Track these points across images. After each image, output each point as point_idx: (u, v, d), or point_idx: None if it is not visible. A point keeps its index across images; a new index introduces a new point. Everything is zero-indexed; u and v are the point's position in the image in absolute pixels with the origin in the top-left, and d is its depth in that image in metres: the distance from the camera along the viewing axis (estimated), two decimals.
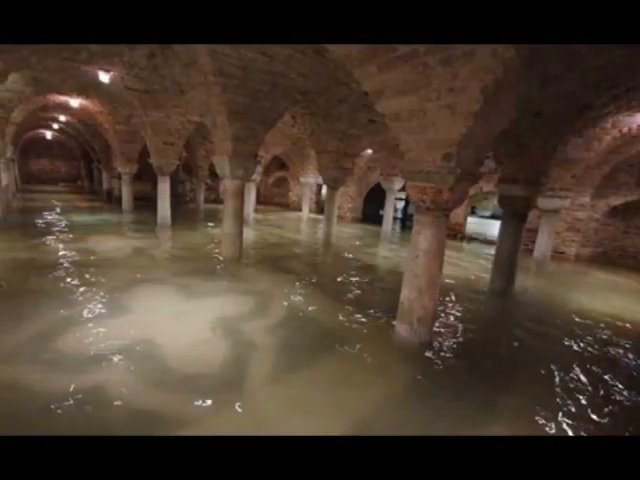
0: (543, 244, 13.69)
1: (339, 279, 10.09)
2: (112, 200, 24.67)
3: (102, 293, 7.34)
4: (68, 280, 7.99)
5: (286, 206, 32.39)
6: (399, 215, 24.91)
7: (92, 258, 9.97)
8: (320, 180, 19.12)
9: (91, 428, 3.69)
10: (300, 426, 3.99)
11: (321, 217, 19.45)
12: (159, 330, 5.98)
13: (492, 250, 11.35)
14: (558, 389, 5.27)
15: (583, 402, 4.99)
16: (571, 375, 5.72)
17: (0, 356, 4.86)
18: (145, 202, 23.77)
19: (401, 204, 24.79)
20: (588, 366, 6.08)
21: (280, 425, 3.99)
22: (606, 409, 4.88)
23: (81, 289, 7.49)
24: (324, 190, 22.72)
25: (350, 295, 8.71)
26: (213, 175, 25.70)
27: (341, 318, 7.17)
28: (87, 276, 8.33)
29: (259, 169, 19.33)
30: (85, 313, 6.40)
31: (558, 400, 4.98)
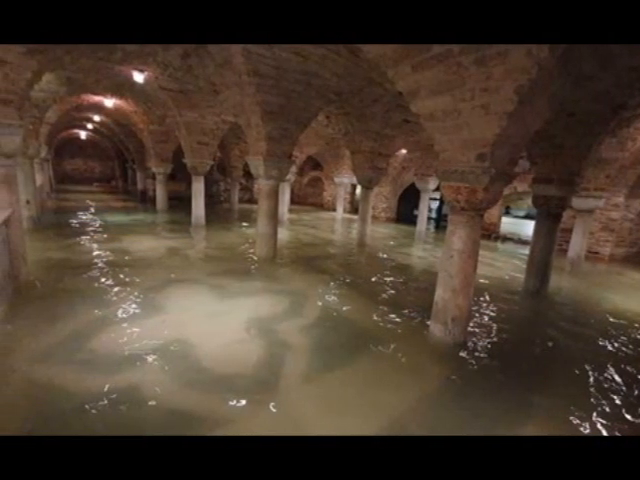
0: (577, 244, 13.52)
1: (373, 279, 10.10)
2: (146, 200, 24.84)
3: (136, 293, 7.42)
4: (102, 280, 8.09)
5: (320, 206, 32.41)
6: (433, 215, 24.64)
7: (126, 258, 10.09)
8: (354, 180, 19.07)
9: (126, 428, 3.73)
10: (334, 426, 4.01)
11: (355, 217, 19.41)
12: (193, 330, 6.03)
13: (526, 250, 11.35)
14: (592, 389, 5.24)
15: (618, 402, 4.96)
16: (605, 375, 5.68)
17: (35, 356, 4.92)
18: (179, 202, 24.07)
19: (435, 204, 24.54)
20: (623, 366, 6.03)
21: (314, 425, 4.01)
22: None
23: (115, 289, 7.58)
24: (358, 190, 22.68)
25: (384, 295, 8.71)
26: (247, 175, 25.87)
27: (375, 318, 7.18)
28: (121, 276, 8.43)
29: (293, 169, 19.35)
30: (119, 313, 6.48)
31: (592, 400, 4.95)
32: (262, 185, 10.48)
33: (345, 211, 27.22)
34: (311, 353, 5.61)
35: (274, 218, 10.71)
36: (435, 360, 5.70)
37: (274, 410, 4.19)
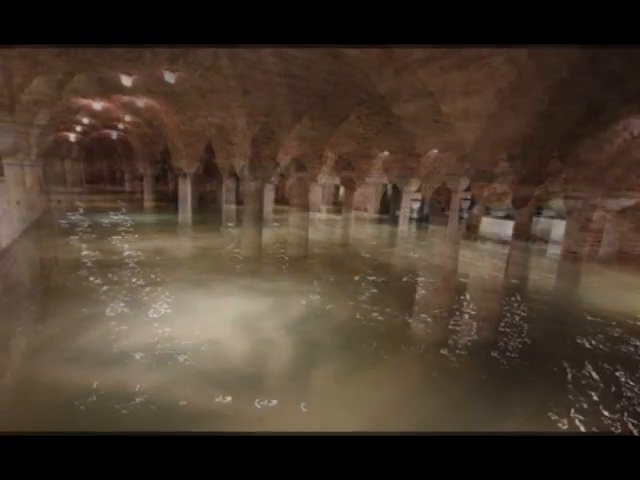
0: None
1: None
2: (177, 200, 24.95)
3: (167, 293, 7.46)
4: (134, 280, 8.15)
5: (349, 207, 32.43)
6: (415, 215, 25.39)
7: (157, 258, 10.17)
8: (385, 180, 19.11)
9: (157, 426, 3.77)
10: (363, 426, 4.02)
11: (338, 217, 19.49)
12: (223, 330, 6.07)
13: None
14: (570, 386, 5.26)
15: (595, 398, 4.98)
16: (583, 372, 5.68)
17: (65, 356, 4.99)
18: (209, 202, 24.26)
19: (417, 204, 25.28)
20: (600, 363, 6.03)
21: (344, 424, 4.03)
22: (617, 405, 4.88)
23: (146, 289, 7.63)
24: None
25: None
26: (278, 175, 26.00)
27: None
28: (152, 276, 8.48)
29: (326, 170, 19.38)
30: (150, 313, 6.53)
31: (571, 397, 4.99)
32: (292, 185, 10.48)
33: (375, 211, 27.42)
34: (339, 352, 5.64)
35: (306, 218, 10.70)
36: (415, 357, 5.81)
37: (304, 410, 4.22)
